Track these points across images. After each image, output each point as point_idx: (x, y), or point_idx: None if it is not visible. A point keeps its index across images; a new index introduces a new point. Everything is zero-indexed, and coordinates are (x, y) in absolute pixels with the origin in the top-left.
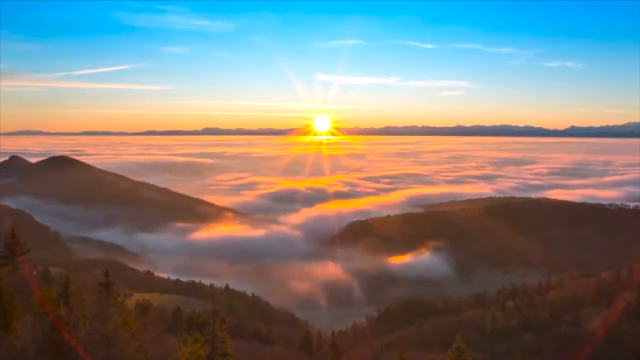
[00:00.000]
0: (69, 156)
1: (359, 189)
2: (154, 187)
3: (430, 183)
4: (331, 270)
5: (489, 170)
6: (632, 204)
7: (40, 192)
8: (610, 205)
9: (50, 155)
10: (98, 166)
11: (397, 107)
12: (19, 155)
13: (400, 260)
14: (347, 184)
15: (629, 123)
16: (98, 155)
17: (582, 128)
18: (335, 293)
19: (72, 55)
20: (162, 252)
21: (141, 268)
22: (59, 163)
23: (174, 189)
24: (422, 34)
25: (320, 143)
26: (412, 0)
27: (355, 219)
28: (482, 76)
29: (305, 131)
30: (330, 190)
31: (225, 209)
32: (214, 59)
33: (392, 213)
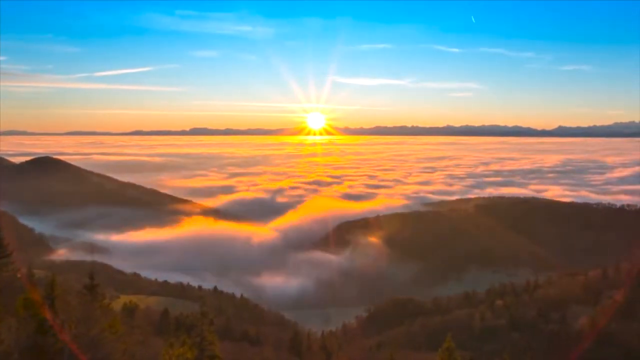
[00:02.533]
0: (53, 156)
1: (345, 189)
2: (140, 188)
3: (418, 183)
4: (319, 270)
5: (477, 170)
6: (618, 204)
7: (23, 193)
8: (597, 204)
9: (34, 156)
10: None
11: (396, 108)
12: (1, 156)
13: (388, 260)
14: (331, 183)
15: (615, 123)
16: (76, 155)
17: (570, 128)
18: (324, 293)
19: (104, 56)
20: (148, 253)
21: (128, 270)
22: (43, 163)
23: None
24: (451, 39)
25: (305, 143)
26: (448, 7)
27: (343, 219)
28: (495, 79)
29: (294, 131)
30: (313, 190)
31: (210, 210)
32: (241, 62)
33: (381, 213)
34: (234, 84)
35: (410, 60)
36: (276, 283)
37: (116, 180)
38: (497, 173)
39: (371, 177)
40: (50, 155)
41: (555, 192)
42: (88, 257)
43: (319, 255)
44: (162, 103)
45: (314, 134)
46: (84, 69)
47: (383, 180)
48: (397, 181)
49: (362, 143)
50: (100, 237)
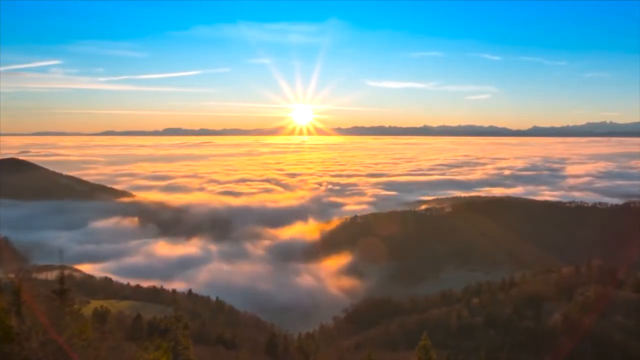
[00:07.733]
0: (19, 157)
1: (320, 190)
2: (112, 190)
3: (396, 183)
4: (295, 272)
5: (453, 169)
6: (590, 202)
7: None
8: (570, 203)
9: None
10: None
11: (390, 110)
12: None
13: (365, 260)
14: (312, 183)
15: (588, 123)
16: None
17: (544, 128)
18: (301, 295)
19: (166, 60)
20: (120, 256)
21: (99, 274)
22: (9, 165)
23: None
24: (493, 48)
25: (262, 142)
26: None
27: (323, 219)
28: (512, 83)
29: (271, 131)
30: (292, 190)
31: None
32: (284, 67)
33: (359, 214)
34: (252, 86)
35: (446, 66)
36: (251, 284)
37: (87, 183)
38: (472, 171)
39: (348, 175)
40: (16, 157)
41: (531, 191)
42: (57, 262)
43: (294, 256)
44: (177, 104)
45: (295, 134)
46: (134, 72)
47: (361, 180)
48: (374, 180)
49: (336, 143)
50: (69, 240)
